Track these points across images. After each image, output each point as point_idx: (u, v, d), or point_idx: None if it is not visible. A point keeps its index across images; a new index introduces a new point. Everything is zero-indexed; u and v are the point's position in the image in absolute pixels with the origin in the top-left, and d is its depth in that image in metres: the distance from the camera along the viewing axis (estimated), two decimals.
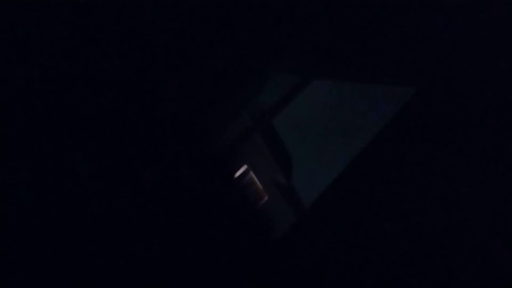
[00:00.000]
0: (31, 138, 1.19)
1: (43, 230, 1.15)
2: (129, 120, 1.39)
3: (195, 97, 1.60)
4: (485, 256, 1.21)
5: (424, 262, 1.29)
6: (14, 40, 1.18)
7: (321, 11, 1.62)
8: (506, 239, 1.21)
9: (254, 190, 1.67)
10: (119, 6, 1.31)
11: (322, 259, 1.39)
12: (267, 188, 1.66)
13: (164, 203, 1.34)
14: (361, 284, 1.32)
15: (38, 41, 1.22)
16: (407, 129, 1.51)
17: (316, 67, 1.71)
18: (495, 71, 1.38)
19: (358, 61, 1.61)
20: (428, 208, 1.36)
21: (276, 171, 1.71)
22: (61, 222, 1.17)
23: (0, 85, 1.15)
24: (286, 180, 1.70)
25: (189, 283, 1.25)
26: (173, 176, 1.42)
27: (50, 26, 1.20)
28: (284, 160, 1.73)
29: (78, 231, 1.18)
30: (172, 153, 1.46)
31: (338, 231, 1.46)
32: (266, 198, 1.64)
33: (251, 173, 1.70)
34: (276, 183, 1.70)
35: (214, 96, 1.63)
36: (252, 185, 1.67)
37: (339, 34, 1.61)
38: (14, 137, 1.17)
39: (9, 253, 1.09)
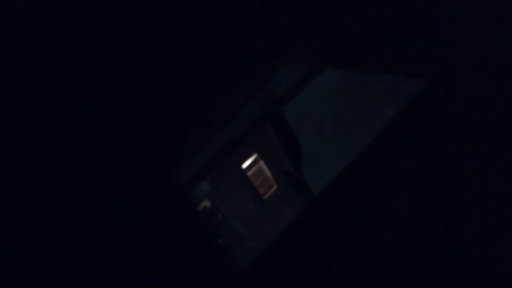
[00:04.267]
0: (24, 138, 1.17)
1: (33, 230, 1.15)
2: (133, 113, 1.37)
3: (205, 87, 1.58)
4: (485, 256, 1.11)
5: (425, 261, 1.26)
6: (13, 39, 1.11)
7: (333, 2, 1.30)
8: (506, 239, 1.12)
9: (264, 179, 1.75)
10: (117, 5, 1.24)
11: (330, 250, 1.49)
12: (277, 177, 1.71)
13: (170, 191, 1.53)
14: (364, 278, 1.42)
15: (37, 41, 1.16)
16: (418, 122, 1.37)
17: (327, 57, 1.29)
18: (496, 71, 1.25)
19: (368, 52, 1.13)
20: (430, 205, 1.23)
21: (286, 160, 1.70)
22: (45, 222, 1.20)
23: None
24: (296, 169, 1.69)
25: (188, 273, 1.33)
26: (180, 166, 1.57)
27: (49, 25, 1.14)
28: (294, 149, 1.66)
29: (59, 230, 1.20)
30: (180, 142, 1.59)
31: (346, 221, 1.48)
32: (275, 187, 1.72)
33: (261, 162, 1.75)
34: (285, 172, 1.71)
35: (225, 86, 1.57)
36: (262, 174, 1.75)
37: (350, 25, 1.19)
38: (13, 136, 1.12)
39: (8, 253, 1.07)
